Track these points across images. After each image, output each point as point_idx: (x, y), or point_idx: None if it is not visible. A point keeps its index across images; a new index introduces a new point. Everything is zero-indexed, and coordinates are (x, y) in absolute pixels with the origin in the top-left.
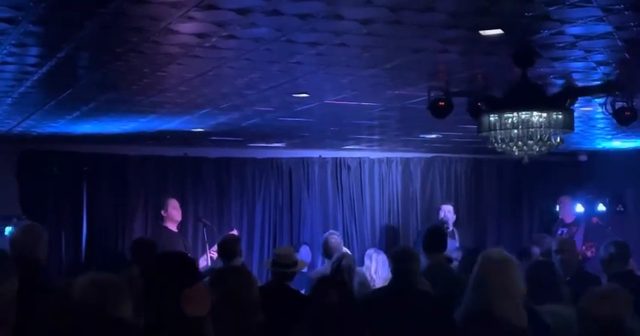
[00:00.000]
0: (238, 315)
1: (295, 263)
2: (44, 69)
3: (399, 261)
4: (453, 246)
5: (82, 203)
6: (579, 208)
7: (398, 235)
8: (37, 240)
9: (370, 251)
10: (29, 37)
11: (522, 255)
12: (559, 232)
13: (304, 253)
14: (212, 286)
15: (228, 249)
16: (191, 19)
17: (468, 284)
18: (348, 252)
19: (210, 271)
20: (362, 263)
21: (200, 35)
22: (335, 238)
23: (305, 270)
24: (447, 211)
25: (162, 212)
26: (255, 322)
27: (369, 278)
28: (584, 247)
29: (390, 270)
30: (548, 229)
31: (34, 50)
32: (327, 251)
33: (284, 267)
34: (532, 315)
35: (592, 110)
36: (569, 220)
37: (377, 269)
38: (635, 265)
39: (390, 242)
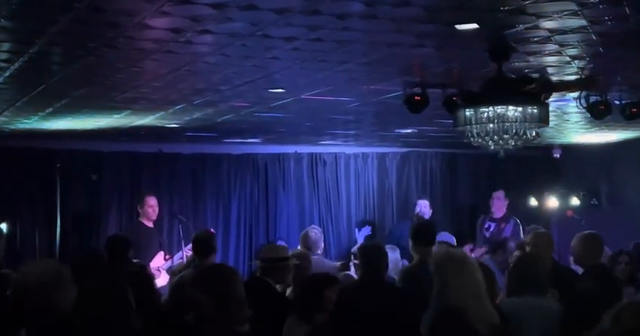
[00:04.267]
0: (227, 311)
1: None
2: (16, 65)
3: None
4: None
5: (55, 200)
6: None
7: (374, 230)
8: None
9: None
10: (1, 33)
11: (498, 248)
12: (486, 225)
13: None
14: (198, 284)
15: (202, 246)
16: (165, 13)
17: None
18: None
19: (185, 266)
20: (337, 259)
21: (175, 30)
22: (315, 232)
23: None
24: (423, 206)
25: (139, 208)
26: (244, 317)
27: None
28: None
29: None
30: (471, 222)
31: (5, 46)
32: (307, 246)
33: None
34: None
35: (566, 104)
36: (499, 215)
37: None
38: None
39: (366, 237)
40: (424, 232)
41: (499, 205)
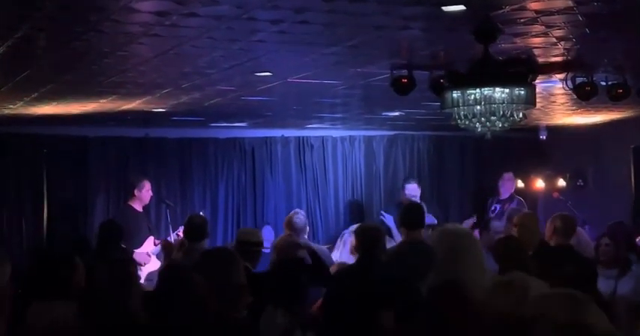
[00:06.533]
0: (228, 297)
1: (260, 243)
2: (1, 50)
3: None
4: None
5: (42, 186)
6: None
7: (362, 214)
8: None
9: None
10: None
11: (484, 228)
12: (492, 207)
13: (267, 233)
14: (200, 269)
15: (196, 231)
16: None
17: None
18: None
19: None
20: (325, 242)
21: (160, 13)
22: (300, 217)
23: (267, 250)
24: (412, 189)
25: (136, 191)
26: (244, 304)
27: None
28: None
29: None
30: (481, 204)
31: None
32: (294, 230)
33: (244, 245)
34: None
35: (552, 86)
36: (505, 196)
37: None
38: (588, 236)
39: (354, 221)
40: (412, 215)
41: (508, 186)
